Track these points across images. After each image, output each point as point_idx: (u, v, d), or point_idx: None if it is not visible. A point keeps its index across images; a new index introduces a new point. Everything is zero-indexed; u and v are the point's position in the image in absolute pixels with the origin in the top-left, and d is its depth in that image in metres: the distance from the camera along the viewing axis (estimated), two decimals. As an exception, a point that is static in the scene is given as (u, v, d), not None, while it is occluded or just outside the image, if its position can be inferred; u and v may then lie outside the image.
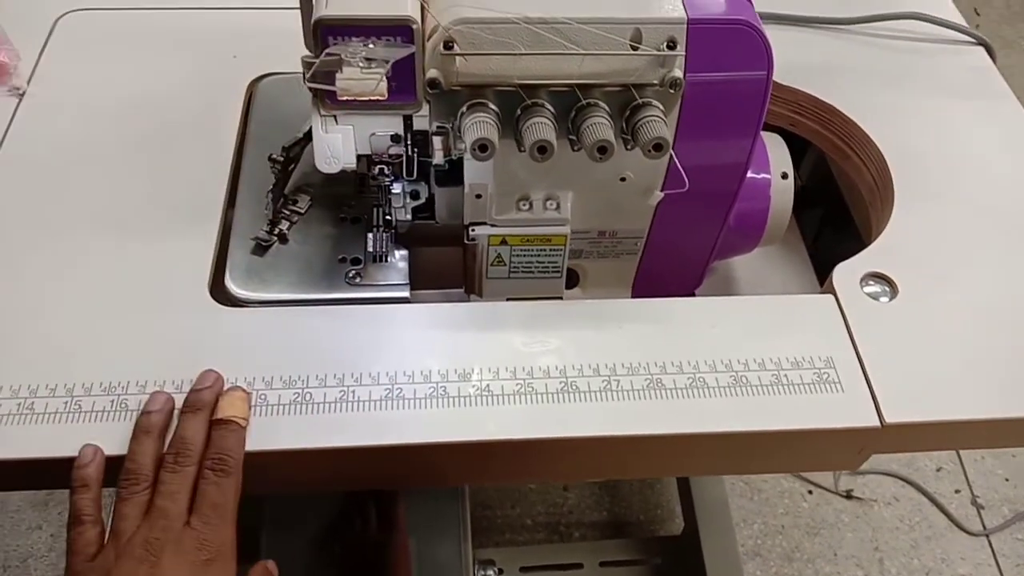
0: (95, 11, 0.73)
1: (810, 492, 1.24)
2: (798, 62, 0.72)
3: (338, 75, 0.45)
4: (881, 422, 0.51)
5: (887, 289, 0.57)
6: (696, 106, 0.52)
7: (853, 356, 0.54)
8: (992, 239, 0.61)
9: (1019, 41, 2.00)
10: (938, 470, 1.27)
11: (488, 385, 0.52)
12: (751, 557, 1.17)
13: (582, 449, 0.51)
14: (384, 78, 0.45)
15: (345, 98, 0.46)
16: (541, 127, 0.49)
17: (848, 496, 1.23)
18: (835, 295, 0.57)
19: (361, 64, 0.45)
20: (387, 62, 0.45)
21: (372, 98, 0.45)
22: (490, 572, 1.07)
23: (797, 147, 0.75)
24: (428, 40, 0.48)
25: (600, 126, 0.49)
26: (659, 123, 0.49)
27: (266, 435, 0.49)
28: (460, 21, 0.48)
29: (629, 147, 0.51)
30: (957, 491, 1.25)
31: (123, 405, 0.49)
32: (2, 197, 0.59)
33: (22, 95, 0.66)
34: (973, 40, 0.76)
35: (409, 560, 0.97)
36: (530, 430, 0.50)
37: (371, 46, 0.45)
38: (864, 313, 0.56)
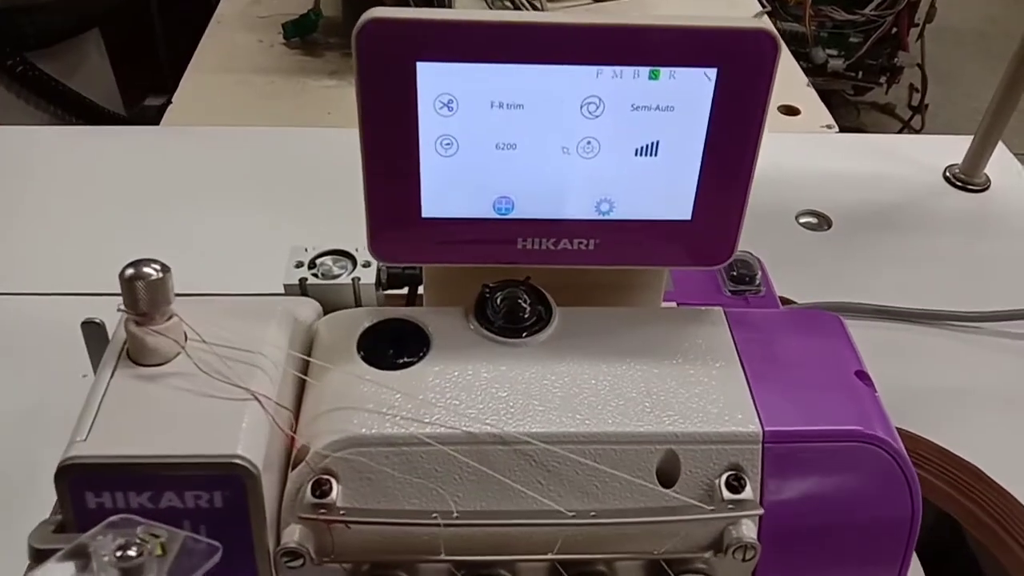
0: None
1: None
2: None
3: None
4: None
5: None
6: (783, 560, 0.28)
7: None
8: None
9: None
10: None
11: None
12: None
13: None
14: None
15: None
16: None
17: None
18: None
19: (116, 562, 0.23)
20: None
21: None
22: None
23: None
24: (290, 471, 0.27)
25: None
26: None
27: None
28: (348, 442, 0.26)
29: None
30: None
31: None
32: None
33: None
34: None
35: None
36: None
37: (148, 537, 0.23)
38: None
